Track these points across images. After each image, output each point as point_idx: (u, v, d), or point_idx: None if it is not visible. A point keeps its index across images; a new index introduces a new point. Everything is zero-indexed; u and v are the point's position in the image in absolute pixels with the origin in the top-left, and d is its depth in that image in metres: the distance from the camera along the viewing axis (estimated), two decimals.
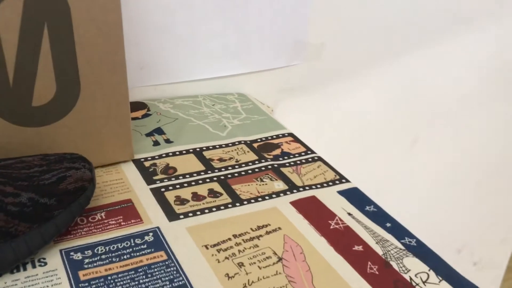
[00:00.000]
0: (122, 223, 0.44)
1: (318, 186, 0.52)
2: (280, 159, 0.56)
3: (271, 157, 0.57)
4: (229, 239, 0.43)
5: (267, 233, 0.44)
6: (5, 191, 0.38)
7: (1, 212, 0.37)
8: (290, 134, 0.62)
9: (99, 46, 0.47)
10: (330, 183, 0.52)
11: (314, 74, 0.77)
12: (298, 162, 0.56)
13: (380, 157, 0.94)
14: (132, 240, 0.42)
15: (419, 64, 0.89)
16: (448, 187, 1.09)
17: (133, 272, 0.39)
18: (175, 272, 0.39)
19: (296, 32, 0.75)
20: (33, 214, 0.38)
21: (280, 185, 0.51)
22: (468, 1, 0.87)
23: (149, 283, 0.38)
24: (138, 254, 0.41)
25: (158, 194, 0.49)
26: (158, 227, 0.44)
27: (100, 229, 0.43)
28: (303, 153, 0.58)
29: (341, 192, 0.51)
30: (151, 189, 0.49)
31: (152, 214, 0.46)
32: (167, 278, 0.38)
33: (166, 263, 0.40)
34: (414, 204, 1.05)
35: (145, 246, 0.42)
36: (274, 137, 0.61)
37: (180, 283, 0.38)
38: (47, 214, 0.39)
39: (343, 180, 0.53)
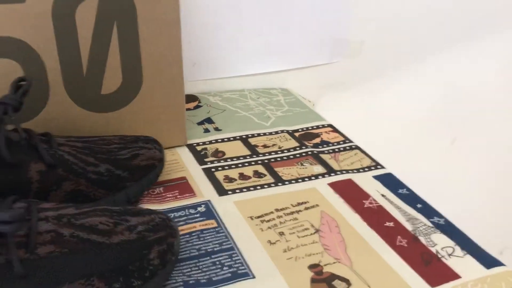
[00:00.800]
0: (178, 196, 0.50)
1: (355, 171, 0.56)
2: (320, 146, 0.61)
3: (311, 144, 0.61)
4: (271, 212, 0.48)
5: (306, 208, 0.49)
6: (87, 160, 0.45)
7: (83, 178, 0.44)
8: (330, 125, 0.66)
9: (159, 42, 0.54)
10: (366, 169, 0.56)
11: (354, 71, 0.81)
12: (337, 150, 0.60)
13: (419, 154, 0.96)
14: (186, 210, 0.48)
15: (460, 62, 0.91)
16: (490, 187, 1.10)
17: (188, 235, 0.44)
18: (224, 237, 0.45)
19: (337, 30, 0.79)
20: (109, 183, 0.45)
21: (319, 169, 0.56)
22: None
23: (202, 245, 0.43)
24: (191, 221, 0.46)
25: (209, 174, 0.54)
26: (209, 200, 0.50)
27: (159, 201, 0.49)
28: (341, 142, 0.62)
29: (376, 177, 0.55)
30: (203, 169, 0.55)
31: (204, 190, 0.51)
32: (217, 242, 0.44)
33: (216, 229, 0.45)
34: (453, 203, 1.07)
35: (198, 215, 0.47)
36: (314, 127, 0.66)
37: (228, 246, 0.43)
38: (120, 184, 0.45)
39: (379, 167, 0.57)
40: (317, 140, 0.62)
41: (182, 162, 0.57)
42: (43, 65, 0.50)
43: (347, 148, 0.61)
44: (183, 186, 0.52)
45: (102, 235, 0.36)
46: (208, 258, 0.42)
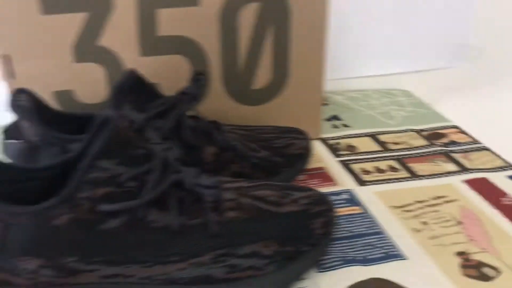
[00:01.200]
0: (320, 184, 0.55)
1: (488, 170, 0.58)
2: (449, 146, 0.63)
3: (440, 143, 0.64)
4: (412, 203, 0.52)
5: (445, 202, 0.52)
6: (251, 147, 0.51)
7: (247, 161, 0.50)
8: (455, 126, 0.68)
9: (307, 44, 0.59)
10: (499, 169, 0.58)
11: (475, 75, 0.82)
12: (467, 150, 0.62)
13: None
14: (330, 197, 0.52)
15: None
16: None
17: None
18: (371, 222, 0.49)
19: (459, 35, 0.81)
20: (267, 167, 0.51)
21: (452, 167, 0.58)
22: None
23: (352, 228, 0.48)
24: (337, 206, 0.51)
25: (345, 165, 0.59)
26: (350, 190, 0.54)
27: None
28: (470, 143, 0.64)
29: (511, 177, 0.57)
30: (338, 161, 0.60)
31: (343, 180, 0.56)
32: (365, 226, 0.48)
33: (362, 215, 0.50)
34: None
35: (342, 201, 0.52)
36: (441, 127, 0.68)
37: (377, 230, 0.47)
38: (276, 169, 0.51)
39: None
40: (445, 140, 0.65)
41: (318, 154, 0.61)
42: (207, 62, 0.57)
43: (477, 148, 0.63)
44: (324, 175, 0.57)
45: (273, 205, 0.41)
46: (360, 239, 0.46)
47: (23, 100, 0.45)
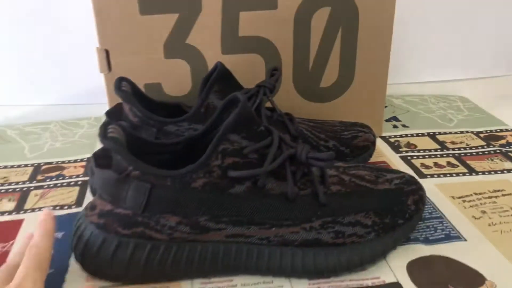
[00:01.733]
0: None
1: None
2: (507, 147, 0.66)
3: (498, 144, 0.66)
4: (471, 195, 0.55)
5: (503, 195, 0.55)
6: (320, 136, 0.56)
7: (316, 149, 0.55)
8: None
9: (373, 46, 0.63)
10: None
11: None
12: None
13: None
14: None
15: None
16: None
17: None
18: (432, 208, 0.52)
19: None
20: (336, 155, 0.55)
21: (510, 165, 0.61)
22: None
23: None
24: None
25: (406, 160, 0.63)
26: None
27: None
28: None
29: None
30: (400, 156, 0.64)
31: (406, 171, 0.59)
32: (426, 211, 0.52)
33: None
34: None
35: None
36: (498, 130, 0.71)
37: (437, 215, 0.51)
38: (342, 159, 0.56)
39: None
40: (503, 141, 0.67)
41: (380, 150, 0.65)
42: (280, 60, 0.62)
43: None
44: (387, 168, 0.61)
45: (370, 183, 0.46)
46: (421, 222, 0.50)
47: (124, 86, 0.52)
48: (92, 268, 0.41)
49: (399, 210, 0.45)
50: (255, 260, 0.42)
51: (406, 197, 0.46)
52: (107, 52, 0.59)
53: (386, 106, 0.79)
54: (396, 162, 0.62)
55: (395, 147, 0.66)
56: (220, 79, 0.52)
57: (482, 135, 0.69)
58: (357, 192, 0.45)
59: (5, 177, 0.61)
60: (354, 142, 0.57)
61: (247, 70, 0.62)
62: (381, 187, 0.46)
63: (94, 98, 0.75)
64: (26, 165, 0.64)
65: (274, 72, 0.56)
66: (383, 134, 0.70)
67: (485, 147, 0.66)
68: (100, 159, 0.42)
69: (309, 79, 0.64)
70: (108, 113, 0.54)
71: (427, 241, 0.47)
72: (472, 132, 0.70)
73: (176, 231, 0.41)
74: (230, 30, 0.60)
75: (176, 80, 0.61)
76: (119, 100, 0.53)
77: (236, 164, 0.41)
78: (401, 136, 0.69)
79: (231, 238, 0.42)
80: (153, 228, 0.40)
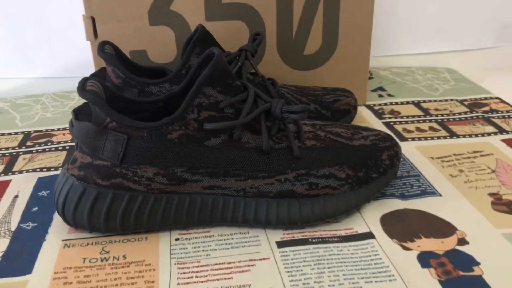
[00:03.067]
0: None
1: None
2: (489, 113, 0.66)
3: (481, 111, 0.67)
4: (450, 155, 0.56)
5: (482, 156, 0.56)
6: (301, 99, 0.57)
7: None
8: (497, 98, 0.72)
9: (355, 12, 0.64)
10: None
11: None
12: (506, 116, 0.65)
13: None
14: None
15: None
16: None
17: None
18: (410, 167, 0.53)
19: (504, 16, 0.83)
20: (315, 119, 0.56)
21: (491, 129, 0.62)
22: None
23: None
24: None
25: (389, 126, 0.63)
26: None
27: None
28: (511, 111, 0.67)
29: None
30: (382, 122, 0.64)
31: None
32: (404, 170, 0.53)
33: (403, 162, 0.54)
34: None
35: None
36: (483, 98, 0.71)
37: (415, 173, 0.52)
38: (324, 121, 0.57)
39: None
40: (486, 108, 0.68)
41: (363, 116, 0.66)
42: (263, 27, 0.63)
43: None
44: None
45: (345, 139, 0.47)
46: (398, 180, 0.51)
47: (107, 49, 0.53)
48: (73, 219, 0.43)
49: (373, 165, 0.46)
50: (231, 211, 0.44)
51: (381, 152, 0.47)
52: (93, 19, 0.60)
53: (372, 77, 0.80)
54: (378, 127, 0.63)
55: (379, 114, 0.67)
56: (201, 42, 0.53)
57: (466, 103, 0.70)
58: (331, 147, 0.46)
59: None
60: (335, 105, 0.58)
61: (231, 36, 0.63)
62: (356, 143, 0.47)
63: (86, 71, 0.76)
64: (16, 133, 0.65)
65: (256, 37, 0.57)
66: (368, 103, 0.70)
67: (468, 113, 0.66)
68: (81, 115, 0.43)
69: (293, 47, 0.65)
70: (92, 76, 0.55)
71: (402, 196, 0.48)
72: (456, 100, 0.71)
73: (154, 182, 0.42)
74: None
75: (161, 47, 0.62)
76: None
77: (212, 118, 0.42)
78: (385, 104, 0.70)
79: (208, 190, 0.43)
80: (131, 179, 0.42)
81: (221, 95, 0.42)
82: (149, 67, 0.58)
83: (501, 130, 0.61)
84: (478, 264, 0.39)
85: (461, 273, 0.39)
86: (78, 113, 0.43)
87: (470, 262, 0.40)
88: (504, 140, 0.59)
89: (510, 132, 0.60)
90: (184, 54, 0.53)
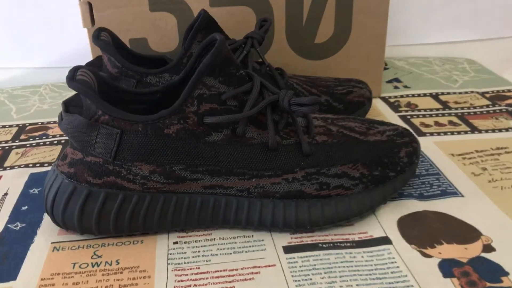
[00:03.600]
0: None
1: None
2: None
3: (504, 104, 0.63)
4: (472, 152, 0.52)
5: (506, 152, 0.51)
6: (311, 91, 0.53)
7: None
8: None
9: (370, 1, 0.60)
10: None
11: None
12: None
13: None
14: None
15: None
16: None
17: None
18: (429, 165, 0.49)
19: None
20: (326, 112, 0.53)
21: None
22: None
23: None
24: None
25: (405, 119, 0.59)
26: None
27: None
28: None
29: None
30: (399, 116, 0.60)
31: None
32: (422, 168, 0.49)
33: (421, 159, 0.50)
34: None
35: None
36: (506, 90, 0.67)
37: (434, 171, 0.48)
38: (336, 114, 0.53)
39: None
40: (510, 101, 0.64)
41: (378, 109, 0.62)
42: (272, 13, 0.59)
43: None
44: None
45: (359, 134, 0.43)
46: (417, 179, 0.47)
47: (103, 36, 0.49)
48: (62, 220, 0.39)
49: (390, 162, 0.42)
50: (234, 213, 0.40)
51: (399, 149, 0.43)
52: (90, 5, 0.57)
53: (387, 68, 0.76)
54: (394, 120, 0.59)
55: (395, 107, 0.63)
56: (203, 28, 0.49)
57: (487, 95, 0.66)
58: (344, 143, 0.42)
59: None
60: (348, 97, 0.54)
61: (237, 23, 0.59)
62: (371, 139, 0.43)
63: (86, 61, 0.73)
64: (11, 126, 0.62)
65: (263, 23, 0.53)
66: (383, 95, 0.66)
67: (490, 106, 0.62)
68: (72, 107, 0.40)
69: (303, 35, 0.61)
70: (88, 65, 0.51)
71: (421, 197, 0.44)
72: (477, 92, 0.66)
73: (150, 180, 0.38)
74: None
75: (162, 35, 0.59)
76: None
77: (213, 111, 0.38)
78: (401, 96, 0.66)
79: (209, 189, 0.39)
80: (125, 177, 0.38)
81: (224, 85, 0.38)
82: (148, 56, 0.54)
83: None
84: (507, 274, 0.36)
85: (488, 284, 0.35)
86: (68, 105, 0.40)
87: (497, 271, 0.36)
88: None
89: None
90: (186, 42, 0.49)
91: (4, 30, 0.74)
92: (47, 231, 0.41)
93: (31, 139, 0.58)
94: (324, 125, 0.43)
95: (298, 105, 0.39)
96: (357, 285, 0.35)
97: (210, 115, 0.38)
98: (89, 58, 0.65)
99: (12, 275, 0.37)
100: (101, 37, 0.49)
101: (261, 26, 0.53)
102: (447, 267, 0.36)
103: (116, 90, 0.41)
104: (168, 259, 0.38)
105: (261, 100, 0.40)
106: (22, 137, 0.59)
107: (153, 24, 0.58)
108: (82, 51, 0.74)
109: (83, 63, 0.74)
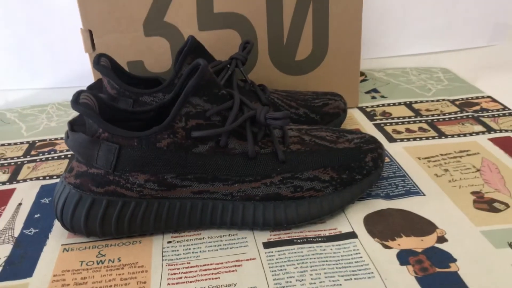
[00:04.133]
0: None
1: None
2: (479, 112, 0.68)
3: (471, 110, 0.68)
4: (436, 155, 0.57)
5: (468, 155, 0.57)
6: (290, 104, 0.59)
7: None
8: (489, 97, 0.73)
9: (344, 18, 0.66)
10: None
11: None
12: (496, 115, 0.67)
13: None
14: None
15: None
16: None
17: None
18: (396, 168, 0.55)
19: (497, 14, 0.84)
20: (305, 123, 0.58)
21: (479, 128, 0.63)
22: None
23: None
24: None
25: (379, 127, 0.65)
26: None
27: None
28: (500, 109, 0.68)
29: None
30: (373, 124, 0.66)
31: (376, 136, 0.62)
32: (390, 171, 0.54)
33: (389, 163, 0.56)
34: None
35: None
36: (474, 98, 0.73)
37: (400, 174, 0.54)
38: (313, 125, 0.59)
39: None
40: (477, 107, 0.69)
41: (355, 118, 0.68)
42: (255, 35, 0.65)
43: (506, 114, 0.67)
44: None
45: (329, 143, 0.49)
46: (384, 181, 0.53)
47: (103, 61, 0.55)
48: (70, 225, 0.45)
49: (356, 167, 0.48)
50: (220, 215, 0.46)
51: (365, 154, 0.49)
52: (90, 32, 0.63)
53: (367, 79, 0.81)
54: (369, 129, 0.65)
55: (370, 116, 0.69)
56: (192, 52, 0.55)
57: (457, 103, 0.71)
58: (316, 150, 0.48)
59: (1, 153, 0.65)
60: (324, 109, 0.60)
61: (224, 45, 0.65)
62: (340, 146, 0.49)
63: (89, 81, 0.79)
64: (22, 143, 0.68)
65: (246, 45, 0.59)
66: (361, 105, 0.72)
67: (458, 113, 0.68)
68: (76, 126, 0.46)
69: (285, 53, 0.67)
70: (89, 88, 0.58)
71: (387, 196, 0.50)
72: (448, 100, 0.72)
73: (145, 188, 0.44)
74: (205, 7, 0.63)
75: (156, 57, 0.65)
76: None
77: (199, 126, 0.44)
78: (378, 106, 0.72)
79: (197, 195, 0.45)
80: (124, 186, 0.44)
81: (208, 104, 0.44)
82: (144, 77, 0.60)
83: (490, 129, 0.62)
84: (454, 260, 0.41)
85: (437, 269, 0.40)
86: (73, 124, 0.46)
87: (447, 258, 0.41)
88: (491, 139, 0.60)
89: (498, 131, 0.62)
90: (176, 64, 0.55)
91: (13, 54, 0.81)
92: (58, 235, 0.47)
93: (41, 154, 0.64)
94: (298, 135, 0.49)
95: (273, 119, 0.45)
96: (325, 273, 0.41)
97: (196, 130, 0.44)
98: (91, 79, 0.71)
99: (28, 273, 0.43)
100: (101, 62, 0.55)
101: (244, 47, 0.59)
102: (404, 257, 0.42)
103: (115, 109, 0.47)
104: (162, 256, 0.44)
105: (241, 115, 0.46)
106: (33, 152, 0.65)
107: (148, 48, 0.64)
108: (85, 72, 0.81)
109: (86, 84, 0.80)
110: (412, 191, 0.51)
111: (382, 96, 0.75)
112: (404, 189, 0.51)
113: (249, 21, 0.64)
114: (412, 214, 0.47)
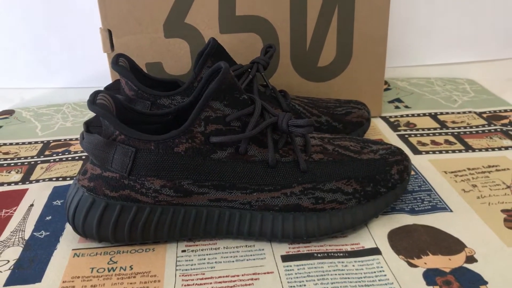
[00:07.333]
0: None
1: None
2: (508, 126, 0.65)
3: (500, 124, 0.66)
4: (464, 170, 0.55)
5: (497, 170, 0.54)
6: (312, 111, 0.57)
7: None
8: None
9: (370, 24, 0.64)
10: None
11: None
12: None
13: None
14: None
15: None
16: None
17: None
18: (422, 182, 0.52)
19: None
20: (327, 132, 0.56)
21: (509, 143, 0.60)
22: None
23: None
24: None
25: (403, 138, 0.63)
26: None
27: None
28: None
29: None
30: (397, 135, 0.64)
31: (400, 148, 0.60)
32: (415, 184, 0.52)
33: (414, 176, 0.53)
34: None
35: None
36: (502, 110, 0.70)
37: (426, 188, 0.51)
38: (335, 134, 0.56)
39: None
40: (505, 121, 0.67)
41: (378, 128, 0.66)
42: (277, 39, 0.63)
43: None
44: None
45: (353, 153, 0.47)
46: (409, 195, 0.50)
47: (122, 62, 0.54)
48: (82, 229, 0.44)
49: (381, 179, 0.46)
50: (237, 224, 0.44)
51: (390, 166, 0.47)
52: (109, 32, 0.62)
53: (390, 88, 0.79)
54: (392, 139, 0.63)
55: (394, 126, 0.66)
56: (213, 55, 0.54)
57: (485, 115, 0.69)
58: (339, 160, 0.46)
59: (15, 153, 0.64)
60: (347, 118, 0.58)
61: (245, 49, 0.63)
62: (364, 157, 0.47)
63: (106, 82, 0.78)
64: (36, 142, 0.67)
65: (268, 49, 0.57)
66: (384, 114, 0.70)
67: (486, 126, 0.65)
68: (92, 127, 0.44)
69: (307, 59, 0.65)
70: (107, 88, 0.56)
71: (412, 211, 0.48)
72: (474, 112, 0.69)
73: (161, 194, 0.42)
74: (227, 9, 0.61)
75: (176, 59, 0.63)
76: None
77: (218, 131, 0.42)
78: (401, 116, 0.69)
79: (214, 202, 0.43)
80: (139, 191, 0.42)
81: (228, 108, 0.42)
82: (163, 79, 0.59)
83: None
84: (485, 283, 0.39)
85: None
86: (89, 125, 0.44)
87: (477, 280, 0.39)
88: None
89: None
90: (196, 67, 0.54)
91: (30, 52, 0.80)
92: (69, 239, 0.46)
93: (55, 155, 0.63)
94: (321, 144, 0.47)
95: (295, 126, 0.43)
96: None
97: (215, 135, 0.42)
98: (109, 79, 0.70)
99: (37, 278, 0.41)
100: (120, 62, 0.54)
101: (266, 52, 0.57)
102: (431, 276, 0.40)
103: (132, 111, 0.45)
104: (176, 266, 0.42)
105: (262, 121, 0.44)
106: (46, 153, 0.63)
107: (168, 49, 0.63)
108: (102, 72, 0.79)
109: (103, 84, 0.79)
110: (439, 206, 0.48)
111: (406, 106, 0.72)
112: (430, 204, 0.49)
113: (272, 24, 0.63)
114: (439, 231, 0.45)
